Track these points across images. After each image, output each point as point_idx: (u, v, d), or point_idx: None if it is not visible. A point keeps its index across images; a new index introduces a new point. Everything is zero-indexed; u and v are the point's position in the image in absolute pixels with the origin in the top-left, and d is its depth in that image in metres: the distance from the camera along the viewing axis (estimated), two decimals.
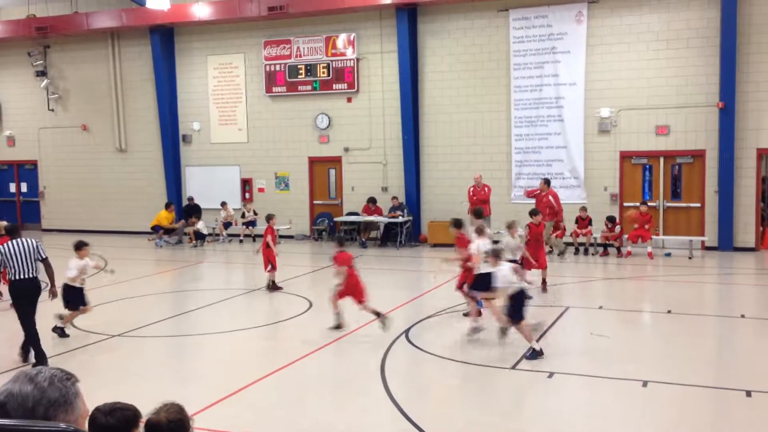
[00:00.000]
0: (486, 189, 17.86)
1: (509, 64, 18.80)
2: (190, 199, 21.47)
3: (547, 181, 16.95)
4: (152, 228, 20.67)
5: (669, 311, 11.03)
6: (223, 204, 20.93)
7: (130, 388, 7.52)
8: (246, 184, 21.79)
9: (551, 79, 18.48)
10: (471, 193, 17.92)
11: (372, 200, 19.56)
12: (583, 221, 17.40)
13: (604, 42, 17.88)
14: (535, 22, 18.52)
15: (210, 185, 21.91)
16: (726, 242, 16.89)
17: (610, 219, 17.14)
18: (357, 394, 7.59)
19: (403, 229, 19.22)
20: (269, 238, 13.09)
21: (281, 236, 20.56)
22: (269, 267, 13.10)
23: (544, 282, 12.69)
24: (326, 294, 13.42)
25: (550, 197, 16.51)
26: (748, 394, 7.24)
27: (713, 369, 8.56)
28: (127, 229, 22.45)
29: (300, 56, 20.85)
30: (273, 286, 13.21)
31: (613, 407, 7.16)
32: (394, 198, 19.55)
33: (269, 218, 13.37)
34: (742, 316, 10.51)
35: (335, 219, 20.38)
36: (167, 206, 20.91)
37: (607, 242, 17.07)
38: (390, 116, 19.99)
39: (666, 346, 9.36)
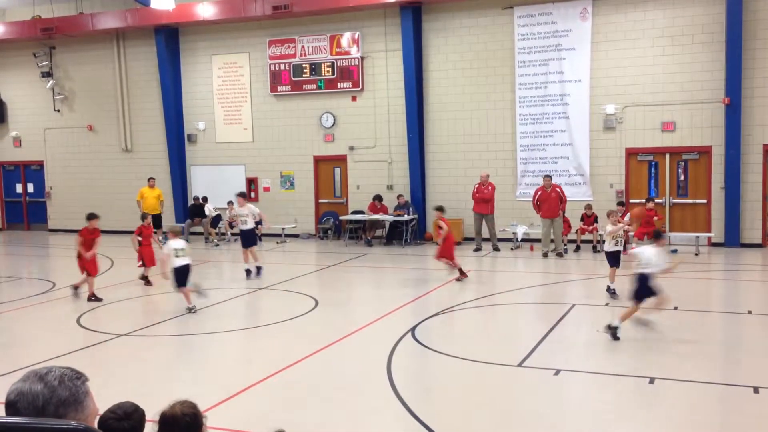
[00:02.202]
0: (490, 187, 17.86)
1: (514, 61, 18.78)
2: (196, 198, 21.52)
3: (548, 176, 17.01)
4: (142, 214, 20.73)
5: (675, 308, 10.99)
6: (230, 203, 20.95)
7: (138, 387, 7.55)
8: (251, 183, 21.82)
9: (556, 76, 18.46)
10: (475, 191, 17.92)
11: (378, 198, 19.57)
12: (589, 218, 17.38)
13: (608, 39, 17.85)
14: (540, 20, 18.50)
15: (215, 185, 21.95)
16: (732, 239, 16.84)
17: (617, 214, 17.07)
18: (363, 394, 7.59)
19: (408, 228, 19.22)
20: (134, 237, 14.45)
21: (287, 235, 20.69)
22: (141, 263, 14.11)
23: None
24: (331, 292, 13.54)
25: (558, 190, 16.73)
26: (756, 390, 7.23)
27: (720, 365, 8.54)
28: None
29: (304, 55, 20.86)
30: (145, 280, 13.94)
31: (621, 404, 7.15)
32: (400, 196, 19.56)
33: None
34: (749, 312, 10.48)
35: (340, 218, 20.40)
36: (149, 181, 21.06)
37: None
38: (395, 114, 19.99)
39: (673, 343, 9.34)
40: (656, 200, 17.26)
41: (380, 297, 12.76)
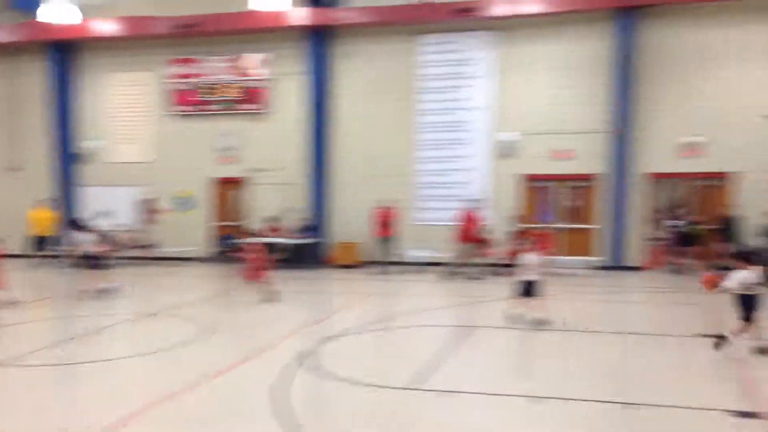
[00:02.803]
0: (392, 211, 18.10)
1: (418, 87, 19.22)
2: (76, 220, 20.58)
3: (472, 201, 17.54)
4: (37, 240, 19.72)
5: (563, 325, 11.44)
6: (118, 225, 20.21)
7: (7, 421, 7.17)
8: (149, 204, 21.24)
9: (458, 104, 19.03)
10: (377, 215, 18.12)
11: (274, 219, 19.47)
12: (487, 242, 17.83)
13: (508, 69, 18.56)
14: (444, 48, 19.06)
15: (111, 206, 21.19)
16: (616, 262, 17.69)
17: (513, 237, 17.61)
18: (249, 422, 7.46)
19: (310, 251, 19.17)
20: None
21: (185, 258, 20.21)
22: None
23: None
24: (224, 317, 13.23)
25: (473, 215, 17.27)
26: (625, 406, 7.58)
27: (596, 383, 8.90)
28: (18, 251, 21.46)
29: (209, 75, 20.65)
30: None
31: (509, 424, 7.33)
32: (302, 219, 19.53)
33: None
34: (631, 333, 11.00)
35: (240, 241, 20.06)
36: (40, 202, 20.11)
37: (509, 262, 17.48)
38: (299, 138, 20.03)
39: (556, 361, 9.68)
40: (549, 225, 17.98)
41: (276, 321, 12.64)
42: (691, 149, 17.30)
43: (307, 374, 9.17)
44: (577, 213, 18.50)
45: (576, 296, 14.75)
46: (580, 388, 8.39)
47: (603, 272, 17.51)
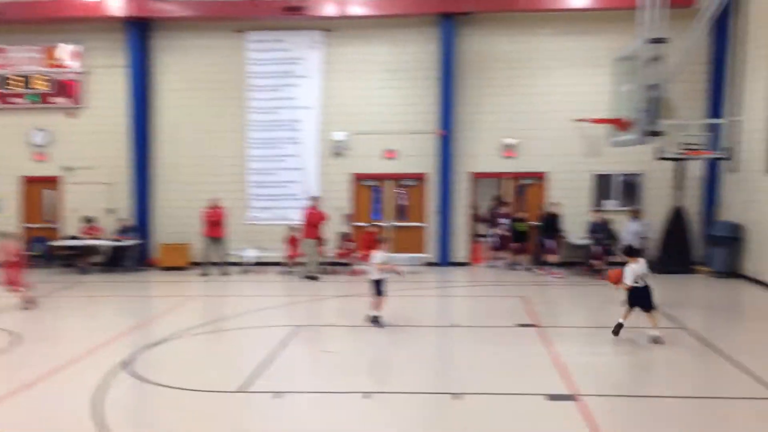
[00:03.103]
0: (221, 210, 17.58)
1: (246, 85, 18.79)
2: None
3: (314, 198, 17.32)
4: None
5: (391, 324, 11.63)
6: None
7: None
8: None
9: (288, 102, 18.82)
10: (205, 215, 17.52)
11: (89, 220, 18.27)
12: (324, 241, 17.80)
13: (338, 69, 18.61)
14: (272, 46, 18.77)
15: None
16: (444, 258, 18.34)
17: (345, 236, 17.73)
18: None
19: (130, 253, 18.14)
20: None
21: None
22: None
23: None
24: (35, 325, 12.20)
25: (319, 211, 17.09)
26: (455, 396, 7.82)
27: (427, 376, 9.12)
28: None
29: (15, 66, 18.96)
30: None
31: (338, 421, 7.29)
32: (122, 220, 18.46)
33: None
34: (453, 325, 11.38)
35: (51, 243, 18.66)
36: None
37: (341, 260, 17.57)
38: (120, 134, 18.92)
39: (386, 357, 9.82)
40: (379, 223, 18.29)
41: (94, 328, 11.81)
42: (510, 150, 18.28)
43: (130, 381, 8.66)
44: (407, 211, 18.94)
45: (407, 292, 15.07)
46: (411, 382, 8.55)
47: (432, 268, 18.06)
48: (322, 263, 17.30)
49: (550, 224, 16.99)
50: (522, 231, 17.50)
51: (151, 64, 18.91)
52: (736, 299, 14.11)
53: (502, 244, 17.83)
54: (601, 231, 16.36)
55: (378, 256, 11.34)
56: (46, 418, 7.42)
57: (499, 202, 18.25)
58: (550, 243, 16.88)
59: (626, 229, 12.86)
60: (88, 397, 7.87)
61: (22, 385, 8.37)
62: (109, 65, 18.90)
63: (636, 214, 14.89)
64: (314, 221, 16.89)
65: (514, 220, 17.60)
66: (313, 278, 16.59)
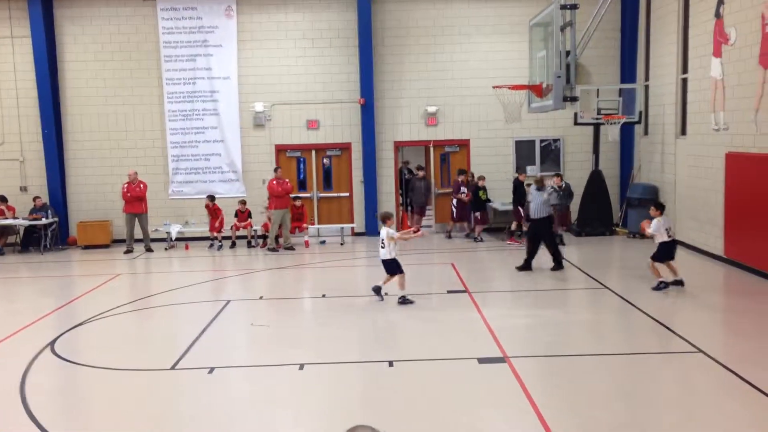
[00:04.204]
0: (141, 185, 17.11)
1: (160, 55, 18.20)
2: None
3: (276, 169, 17.11)
4: None
5: (323, 295, 11.67)
6: None
7: None
8: None
9: (204, 73, 18.34)
10: (125, 190, 17.01)
11: (1, 199, 17.49)
12: (243, 214, 17.59)
13: (254, 38, 18.23)
14: (185, 14, 18.18)
15: None
16: (372, 228, 18.41)
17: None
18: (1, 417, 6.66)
19: (47, 232, 17.47)
20: None
21: None
22: None
23: None
24: None
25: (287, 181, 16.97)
26: (391, 364, 7.95)
27: (362, 346, 9.23)
28: None
29: None
30: None
31: (274, 393, 7.30)
32: (37, 198, 17.71)
33: None
34: (386, 294, 11.52)
35: None
36: None
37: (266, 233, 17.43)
38: (27, 108, 18.07)
39: (321, 329, 9.86)
40: (304, 195, 18.22)
41: (12, 311, 11.38)
42: (432, 118, 18.42)
43: (56, 363, 8.42)
44: (332, 182, 18.89)
45: (337, 263, 15.12)
46: (345, 352, 8.63)
47: (360, 238, 18.13)
48: (262, 236, 17.20)
49: (476, 195, 17.16)
50: (484, 199, 17.16)
51: (56, 35, 18.05)
52: None
53: (459, 214, 17.70)
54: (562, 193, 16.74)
55: (385, 232, 10.92)
56: None
57: (422, 169, 18.45)
58: (478, 214, 17.04)
59: (533, 199, 13.05)
60: (13, 382, 7.62)
61: None
62: (9, 36, 17.93)
63: (540, 184, 14.66)
64: (280, 192, 16.71)
65: (477, 188, 17.17)
66: (289, 248, 16.66)
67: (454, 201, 17.48)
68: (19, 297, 12.92)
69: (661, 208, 11.28)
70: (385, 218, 11.14)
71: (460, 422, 6.35)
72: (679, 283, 11.07)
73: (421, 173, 18.23)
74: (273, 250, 16.60)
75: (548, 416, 6.29)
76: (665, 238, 11.03)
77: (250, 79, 18.31)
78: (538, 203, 13.04)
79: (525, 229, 16.12)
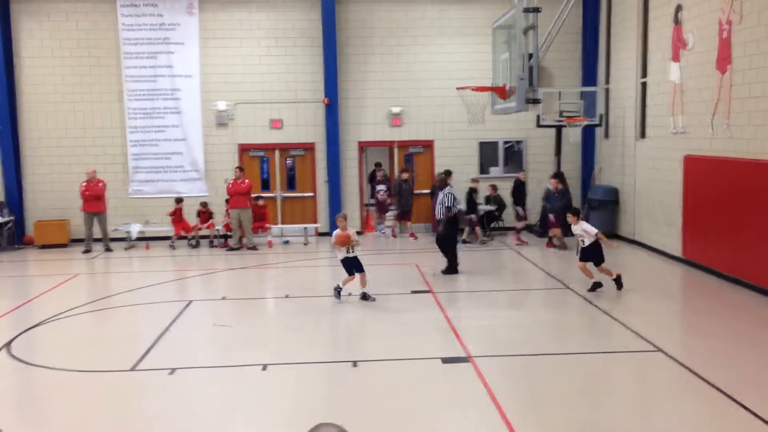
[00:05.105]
0: (100, 184, 16.82)
1: (120, 52, 17.90)
2: None
3: (241, 168, 17.00)
4: None
5: (287, 296, 11.59)
6: None
7: None
8: None
9: (166, 70, 18.09)
10: (83, 189, 16.70)
11: None
12: (204, 214, 17.40)
13: (217, 36, 18.05)
14: (145, 11, 17.92)
15: None
16: (336, 227, 18.32)
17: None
18: None
19: (3, 232, 17.06)
20: None
21: None
22: None
23: None
24: None
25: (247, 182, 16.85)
26: (355, 364, 7.93)
27: (326, 346, 9.19)
28: None
29: None
30: None
31: (237, 394, 7.23)
32: None
33: None
34: (350, 294, 11.48)
35: None
36: None
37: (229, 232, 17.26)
38: None
39: (284, 330, 9.79)
40: (267, 194, 18.10)
41: None
42: (396, 119, 18.44)
43: (12, 365, 8.21)
44: (296, 182, 18.77)
45: (301, 263, 15.04)
46: (309, 353, 8.58)
47: (325, 238, 18.03)
48: (214, 236, 17.05)
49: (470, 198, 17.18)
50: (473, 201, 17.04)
51: (12, 30, 17.64)
52: (614, 259, 14.95)
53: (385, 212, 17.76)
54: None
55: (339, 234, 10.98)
56: None
57: (382, 169, 18.43)
58: (473, 216, 16.90)
59: (439, 199, 13.14)
60: None
61: None
62: None
63: (442, 184, 14.51)
64: (242, 191, 16.61)
65: (471, 191, 17.04)
66: (252, 248, 16.57)
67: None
68: None
69: (577, 214, 11.49)
70: (338, 220, 11.30)
71: (423, 422, 6.35)
72: (599, 285, 11.23)
73: (405, 175, 18.04)
74: (233, 249, 16.47)
75: (511, 415, 6.33)
76: (592, 239, 11.14)
77: (213, 78, 18.12)
78: (437, 204, 13.25)
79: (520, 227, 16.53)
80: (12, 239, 17.35)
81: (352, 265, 11.00)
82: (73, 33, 17.80)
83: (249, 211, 16.74)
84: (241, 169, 17.07)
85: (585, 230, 11.14)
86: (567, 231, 13.48)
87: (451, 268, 13.09)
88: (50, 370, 8.06)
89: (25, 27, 17.71)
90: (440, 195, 13.26)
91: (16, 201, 17.69)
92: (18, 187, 17.80)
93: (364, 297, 10.95)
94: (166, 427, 6.43)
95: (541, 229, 17.10)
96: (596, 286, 11.17)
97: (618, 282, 11.24)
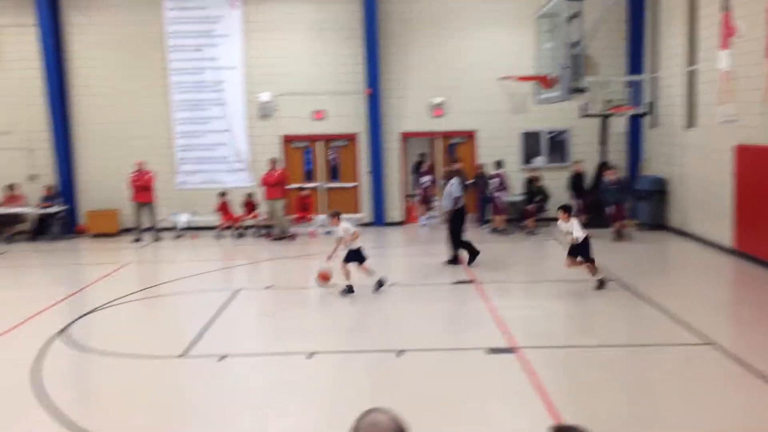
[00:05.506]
0: (148, 175, 17.17)
1: (166, 45, 18.22)
2: None
3: (273, 160, 17.16)
4: None
5: (333, 285, 11.70)
6: None
7: None
8: None
9: (210, 63, 18.37)
10: (132, 179, 17.08)
11: (10, 187, 17.59)
12: (249, 205, 17.65)
13: (260, 28, 18.23)
14: (190, 4, 18.22)
15: None
16: (379, 218, 18.47)
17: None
18: (5, 406, 6.73)
19: (57, 221, 17.57)
20: None
21: None
22: None
23: None
24: None
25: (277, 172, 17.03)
26: (399, 353, 8.00)
27: (370, 335, 9.28)
28: None
29: None
30: None
31: (283, 381, 7.37)
32: (48, 187, 17.81)
33: None
34: (394, 284, 11.56)
35: None
36: None
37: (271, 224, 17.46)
38: (35, 97, 18.12)
39: (329, 318, 9.91)
40: (310, 185, 18.27)
41: (25, 298, 11.45)
42: (438, 109, 18.42)
43: (69, 350, 8.49)
44: (339, 172, 18.90)
45: (341, 254, 15.14)
46: (354, 341, 8.69)
47: (368, 228, 18.14)
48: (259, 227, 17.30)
49: (483, 181, 17.16)
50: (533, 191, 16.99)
51: (63, 23, 18.08)
52: (662, 250, 14.76)
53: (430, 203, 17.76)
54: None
55: (342, 227, 11.08)
56: None
57: (427, 161, 18.39)
58: (531, 206, 16.83)
59: (446, 190, 12.97)
60: (26, 368, 7.70)
61: None
62: (16, 24, 17.96)
63: (449, 176, 14.31)
64: (277, 181, 16.83)
65: (530, 181, 17.05)
66: (289, 237, 16.75)
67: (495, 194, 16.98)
68: (31, 284, 13.03)
69: (568, 210, 11.11)
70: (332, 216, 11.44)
71: (469, 412, 6.39)
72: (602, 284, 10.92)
73: (456, 165, 17.90)
74: (277, 239, 16.69)
75: (557, 407, 6.33)
76: (581, 235, 10.84)
77: (256, 70, 18.32)
78: (444, 195, 13.11)
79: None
80: (65, 228, 17.84)
81: (355, 257, 11.09)
82: (121, 27, 18.17)
83: (280, 201, 16.89)
84: (274, 160, 17.25)
85: (571, 231, 10.81)
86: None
87: (454, 260, 12.99)
88: (103, 354, 8.31)
89: (75, 22, 18.13)
90: (447, 186, 13.12)
91: (68, 191, 18.17)
92: (70, 177, 18.29)
93: (381, 284, 11.09)
94: (216, 411, 6.58)
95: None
96: (602, 283, 10.87)
97: (601, 284, 10.87)
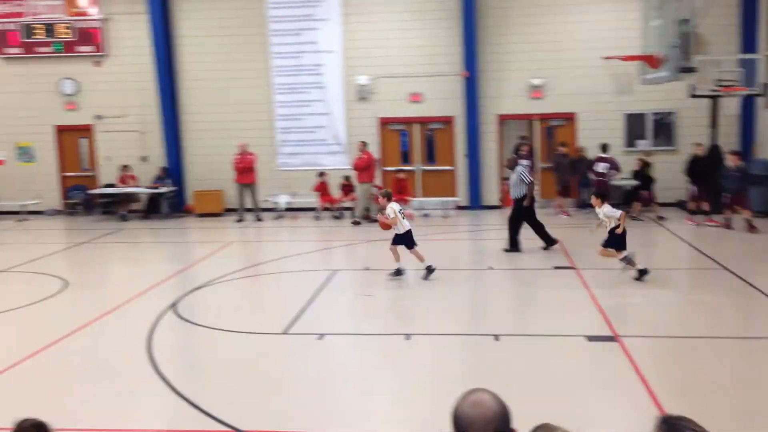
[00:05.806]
0: (251, 156, 17.70)
1: (267, 29, 18.64)
2: None
3: (364, 143, 17.45)
4: None
5: (428, 267, 11.74)
6: None
7: None
8: None
9: (310, 46, 18.66)
10: (236, 161, 17.65)
11: (126, 168, 18.56)
12: (347, 187, 17.91)
13: (358, 11, 18.37)
14: None
15: None
16: (475, 201, 18.36)
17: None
18: (122, 375, 7.16)
19: (167, 200, 18.45)
20: None
21: (29, 212, 18.84)
22: None
23: None
24: (83, 272, 12.58)
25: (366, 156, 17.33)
26: (497, 338, 7.98)
27: (468, 319, 9.29)
28: None
29: (36, 14, 18.94)
30: None
31: (382, 361, 7.50)
32: (163, 168, 18.73)
33: None
34: (490, 267, 11.50)
35: (90, 191, 19.02)
36: None
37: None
38: (145, 82, 18.95)
39: (426, 301, 9.97)
40: (407, 167, 18.34)
41: (138, 273, 12.11)
42: (537, 91, 18.07)
43: (177, 325, 8.92)
44: (436, 155, 18.89)
45: (441, 236, 15.19)
46: (451, 324, 8.71)
47: (464, 212, 18.10)
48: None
49: (579, 165, 16.76)
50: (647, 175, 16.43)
51: (171, 10, 18.79)
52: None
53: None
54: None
55: (391, 208, 10.99)
56: (101, 357, 7.70)
57: (526, 143, 18.07)
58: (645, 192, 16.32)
59: (595, 169, 12.35)
60: (141, 338, 8.15)
61: (79, 325, 8.69)
62: (128, 12, 18.81)
63: (512, 164, 13.79)
64: (366, 165, 17.07)
65: (645, 165, 16.42)
66: (372, 220, 16.74)
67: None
68: (142, 260, 13.75)
69: (602, 197, 10.57)
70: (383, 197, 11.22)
71: (568, 400, 6.31)
72: (645, 271, 10.34)
73: (564, 149, 17.50)
74: (356, 223, 16.82)
75: (662, 399, 6.15)
76: (616, 215, 10.34)
77: (354, 53, 18.49)
78: (511, 184, 12.73)
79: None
80: (174, 208, 18.69)
81: (402, 240, 10.95)
82: (225, 12, 18.73)
83: (366, 185, 17.08)
84: (363, 143, 17.37)
85: (608, 214, 10.36)
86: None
87: (514, 246, 12.71)
88: (210, 329, 8.68)
89: (182, 8, 18.82)
90: (513, 175, 12.74)
91: (177, 172, 18.99)
92: (179, 159, 19.09)
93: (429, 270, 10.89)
94: (316, 388, 6.76)
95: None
96: (642, 272, 10.33)
97: (642, 273, 10.33)
